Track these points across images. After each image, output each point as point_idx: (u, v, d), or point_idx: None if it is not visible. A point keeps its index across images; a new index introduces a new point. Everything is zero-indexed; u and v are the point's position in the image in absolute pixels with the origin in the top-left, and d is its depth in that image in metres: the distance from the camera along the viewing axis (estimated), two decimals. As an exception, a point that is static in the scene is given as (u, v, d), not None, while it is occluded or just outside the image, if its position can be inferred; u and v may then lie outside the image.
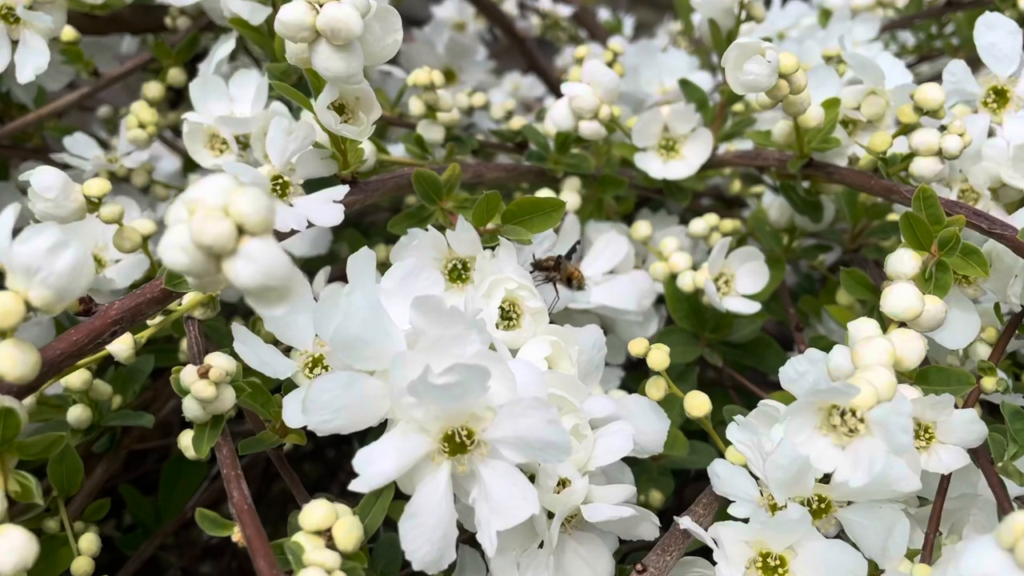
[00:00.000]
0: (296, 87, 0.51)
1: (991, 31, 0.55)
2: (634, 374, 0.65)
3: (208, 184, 0.29)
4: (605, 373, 0.66)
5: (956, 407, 0.44)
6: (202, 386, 0.40)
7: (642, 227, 0.66)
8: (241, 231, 0.29)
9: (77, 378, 0.49)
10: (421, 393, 0.34)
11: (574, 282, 0.59)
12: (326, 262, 0.74)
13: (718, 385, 0.67)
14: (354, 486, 0.33)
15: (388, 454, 0.34)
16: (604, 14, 1.21)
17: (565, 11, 1.06)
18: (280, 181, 0.49)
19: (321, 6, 0.37)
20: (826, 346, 0.57)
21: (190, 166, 0.81)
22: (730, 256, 0.58)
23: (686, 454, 0.56)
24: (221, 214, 0.28)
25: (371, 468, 0.34)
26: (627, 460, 0.48)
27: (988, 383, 0.46)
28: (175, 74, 0.65)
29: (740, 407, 0.53)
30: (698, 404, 0.48)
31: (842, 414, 0.38)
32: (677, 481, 0.66)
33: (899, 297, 0.42)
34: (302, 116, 0.51)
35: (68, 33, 0.63)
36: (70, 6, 0.61)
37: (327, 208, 0.48)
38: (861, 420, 0.37)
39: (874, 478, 0.37)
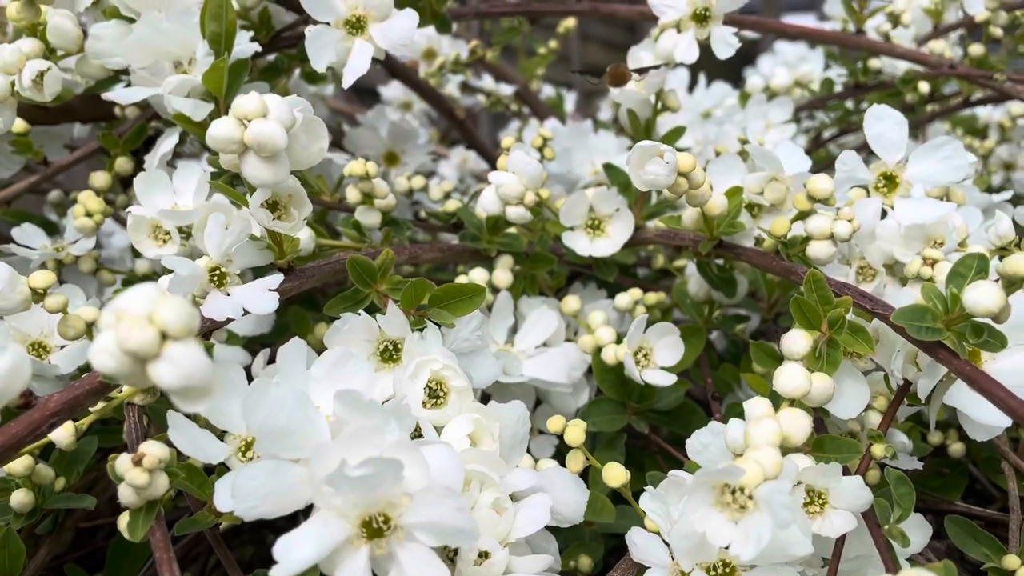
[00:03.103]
0: (236, 179, 0.54)
1: (879, 122, 0.61)
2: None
3: (134, 294, 0.32)
4: (539, 441, 0.69)
5: (849, 473, 0.48)
6: (136, 474, 0.42)
7: (571, 301, 0.69)
8: (165, 336, 0.31)
9: (19, 464, 0.51)
10: (338, 484, 0.36)
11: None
12: (272, 338, 0.76)
13: (647, 450, 0.71)
14: (274, 573, 0.35)
15: (308, 541, 0.37)
16: (548, 90, 1.27)
17: (507, 90, 1.11)
18: (218, 272, 0.52)
19: (249, 122, 0.41)
20: (740, 413, 0.61)
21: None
22: (648, 331, 0.61)
23: (613, 520, 0.58)
24: (146, 322, 0.31)
25: (291, 555, 0.36)
26: (558, 527, 0.51)
27: (877, 450, 0.50)
28: (122, 163, 0.68)
29: (664, 473, 0.56)
30: (614, 475, 0.51)
31: (733, 492, 0.41)
32: (614, 542, 0.68)
33: (788, 378, 0.46)
34: (240, 209, 0.54)
35: (18, 125, 0.66)
36: (20, 100, 0.64)
37: (262, 296, 0.51)
38: (750, 497, 0.41)
39: (766, 546, 0.40)
